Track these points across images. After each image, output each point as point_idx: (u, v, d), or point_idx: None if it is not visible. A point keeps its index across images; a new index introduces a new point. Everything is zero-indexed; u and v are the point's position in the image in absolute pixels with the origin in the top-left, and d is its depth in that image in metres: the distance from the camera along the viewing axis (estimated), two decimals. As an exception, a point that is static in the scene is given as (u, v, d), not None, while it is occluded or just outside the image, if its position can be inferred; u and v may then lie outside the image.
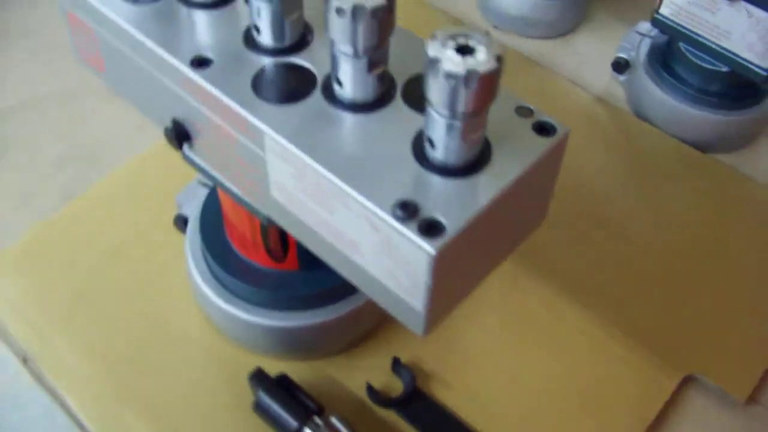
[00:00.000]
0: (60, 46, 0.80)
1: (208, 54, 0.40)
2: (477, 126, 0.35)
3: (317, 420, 0.48)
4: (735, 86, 0.70)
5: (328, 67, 0.38)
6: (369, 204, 0.35)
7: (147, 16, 0.42)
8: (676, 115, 0.71)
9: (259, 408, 0.49)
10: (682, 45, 0.70)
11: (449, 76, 0.32)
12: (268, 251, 0.50)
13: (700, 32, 0.67)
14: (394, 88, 0.39)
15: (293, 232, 0.42)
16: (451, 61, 0.32)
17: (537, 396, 0.55)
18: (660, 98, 0.72)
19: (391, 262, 0.36)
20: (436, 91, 0.33)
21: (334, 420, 0.48)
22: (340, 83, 0.37)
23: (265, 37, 0.40)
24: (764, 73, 0.65)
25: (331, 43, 0.36)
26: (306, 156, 0.36)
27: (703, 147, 0.72)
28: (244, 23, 0.42)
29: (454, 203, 0.35)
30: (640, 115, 0.75)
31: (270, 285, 0.52)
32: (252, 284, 0.52)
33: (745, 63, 0.65)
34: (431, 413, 0.52)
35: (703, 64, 0.69)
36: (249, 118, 0.38)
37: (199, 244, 0.55)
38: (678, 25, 0.68)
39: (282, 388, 0.49)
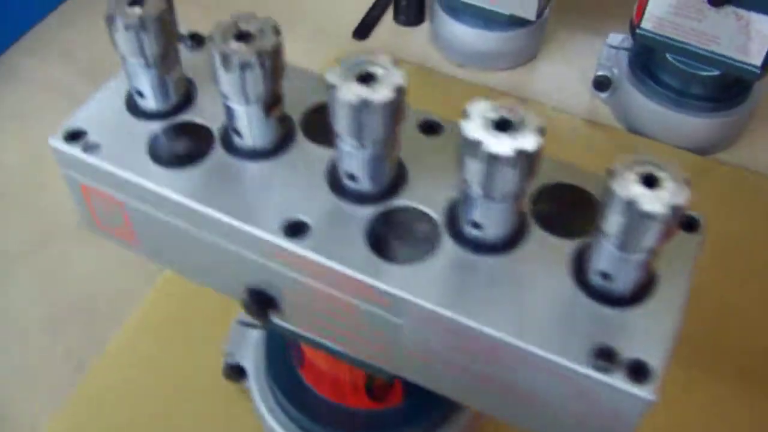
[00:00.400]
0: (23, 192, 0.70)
1: (300, 216, 0.35)
2: (654, 252, 0.31)
3: None
4: (724, 86, 0.70)
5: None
6: (563, 361, 0.31)
7: (196, 181, 0.36)
8: (671, 123, 0.71)
9: None
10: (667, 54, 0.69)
11: (649, 217, 0.28)
12: (371, 396, 0.45)
13: (687, 40, 0.66)
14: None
15: (431, 385, 0.37)
16: (648, 198, 0.28)
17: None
18: (652, 109, 0.71)
19: (583, 407, 0.33)
20: (637, 232, 0.29)
21: None
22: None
23: (364, 184, 0.35)
24: (758, 71, 0.65)
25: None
26: (477, 324, 0.32)
27: (701, 150, 0.72)
28: (318, 166, 0.37)
29: (646, 338, 0.31)
30: (634, 130, 0.74)
31: (370, 426, 0.47)
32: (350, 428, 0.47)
33: (738, 64, 0.65)
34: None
35: (691, 70, 0.69)
36: (384, 289, 0.33)
37: (272, 395, 0.49)
38: (662, 36, 0.67)
39: None
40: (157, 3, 0.34)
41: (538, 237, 0.34)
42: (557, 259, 0.33)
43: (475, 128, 0.29)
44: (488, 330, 0.31)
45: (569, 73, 0.79)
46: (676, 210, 0.28)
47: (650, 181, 0.29)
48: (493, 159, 0.29)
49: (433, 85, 0.76)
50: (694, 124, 0.70)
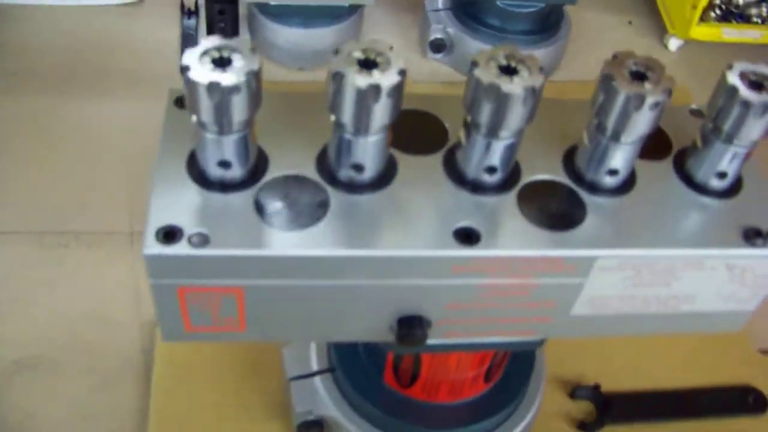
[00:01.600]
0: None
1: (462, 222, 0.34)
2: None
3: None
4: (544, 18, 0.79)
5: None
6: (724, 252, 0.35)
7: (333, 231, 0.33)
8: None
9: None
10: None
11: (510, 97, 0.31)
12: (487, 377, 0.45)
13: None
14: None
15: (584, 333, 0.39)
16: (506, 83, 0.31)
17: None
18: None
19: (735, 287, 0.37)
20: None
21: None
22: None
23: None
24: (576, -5, 0.75)
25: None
26: (654, 250, 0.34)
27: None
28: (432, 172, 0.35)
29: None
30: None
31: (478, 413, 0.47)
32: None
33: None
34: (630, 402, 0.54)
35: (516, 9, 0.76)
36: (575, 254, 0.34)
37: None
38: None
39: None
40: (250, 62, 0.30)
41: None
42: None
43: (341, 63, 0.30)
44: (665, 251, 0.34)
45: (400, 46, 0.82)
46: (533, 91, 0.31)
47: (509, 70, 0.32)
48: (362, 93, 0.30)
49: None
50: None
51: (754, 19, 0.87)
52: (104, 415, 0.51)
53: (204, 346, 0.54)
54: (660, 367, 0.57)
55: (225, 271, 0.33)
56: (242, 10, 0.79)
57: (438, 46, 0.79)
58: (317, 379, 0.48)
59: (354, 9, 0.77)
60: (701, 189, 0.37)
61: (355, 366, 0.47)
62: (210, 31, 0.77)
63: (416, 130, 0.38)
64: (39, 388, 0.51)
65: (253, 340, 0.37)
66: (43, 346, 0.53)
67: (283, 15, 0.75)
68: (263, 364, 0.53)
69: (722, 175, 0.37)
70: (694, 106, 0.42)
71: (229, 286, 0.33)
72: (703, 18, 0.86)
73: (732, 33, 0.86)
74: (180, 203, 0.33)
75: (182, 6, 0.81)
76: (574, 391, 0.54)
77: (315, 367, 0.48)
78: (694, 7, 0.83)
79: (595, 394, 0.53)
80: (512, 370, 0.48)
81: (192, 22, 0.78)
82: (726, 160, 0.36)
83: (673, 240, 0.35)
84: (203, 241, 0.32)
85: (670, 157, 0.39)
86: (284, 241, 0.33)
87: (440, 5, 0.79)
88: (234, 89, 0.30)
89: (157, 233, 0.32)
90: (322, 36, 0.76)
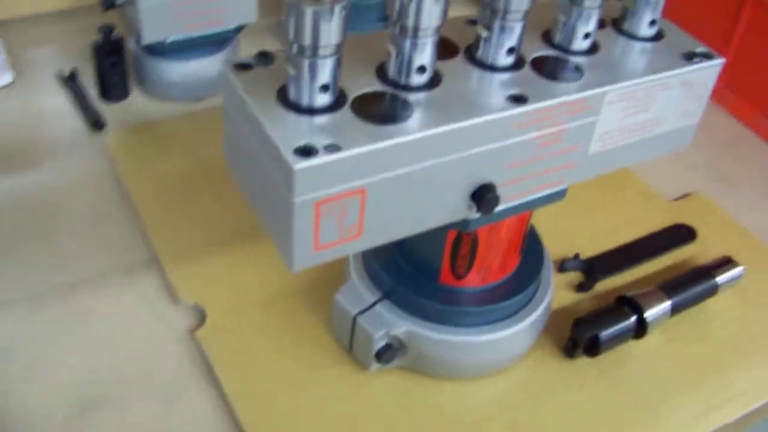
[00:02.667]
0: None
1: (511, 90, 0.43)
2: None
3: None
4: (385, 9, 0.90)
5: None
6: (678, 71, 0.47)
7: (424, 117, 0.41)
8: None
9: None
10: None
11: None
12: (522, 247, 0.54)
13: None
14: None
15: (597, 170, 0.49)
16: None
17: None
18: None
19: (686, 102, 0.50)
20: None
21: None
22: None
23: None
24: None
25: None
26: (638, 79, 0.46)
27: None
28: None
29: (689, 42, 0.50)
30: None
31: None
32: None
33: None
34: (605, 260, 0.66)
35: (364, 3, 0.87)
36: (591, 93, 0.44)
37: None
38: None
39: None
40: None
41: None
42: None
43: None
44: (645, 78, 0.46)
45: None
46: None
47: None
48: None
49: (201, 126, 0.78)
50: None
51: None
52: (186, 426, 0.53)
53: (252, 326, 0.58)
54: (608, 230, 0.69)
55: (354, 173, 0.39)
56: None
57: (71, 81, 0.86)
58: (379, 307, 0.54)
59: (233, 35, 0.82)
60: (642, 39, 0.50)
61: (410, 282, 0.53)
62: (103, 86, 0.79)
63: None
64: (109, 427, 0.52)
65: (365, 247, 0.43)
66: (98, 387, 0.53)
67: (170, 51, 0.79)
68: (314, 326, 0.59)
69: (653, 23, 0.49)
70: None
71: (356, 188, 0.40)
72: None
73: None
74: (297, 128, 0.39)
75: (60, 76, 0.82)
76: (562, 264, 0.64)
77: (371, 299, 0.54)
78: None
79: (577, 262, 0.64)
80: (529, 248, 0.57)
81: (77, 83, 0.80)
82: (654, 9, 0.49)
83: (646, 72, 0.47)
84: (336, 148, 0.38)
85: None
86: (395, 132, 0.40)
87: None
88: (343, 8, 0.37)
89: (296, 152, 0.38)
90: (211, 64, 0.81)
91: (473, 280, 0.53)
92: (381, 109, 0.41)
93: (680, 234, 0.69)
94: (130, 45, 0.81)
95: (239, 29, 0.82)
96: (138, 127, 0.77)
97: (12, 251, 0.63)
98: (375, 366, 0.54)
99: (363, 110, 0.41)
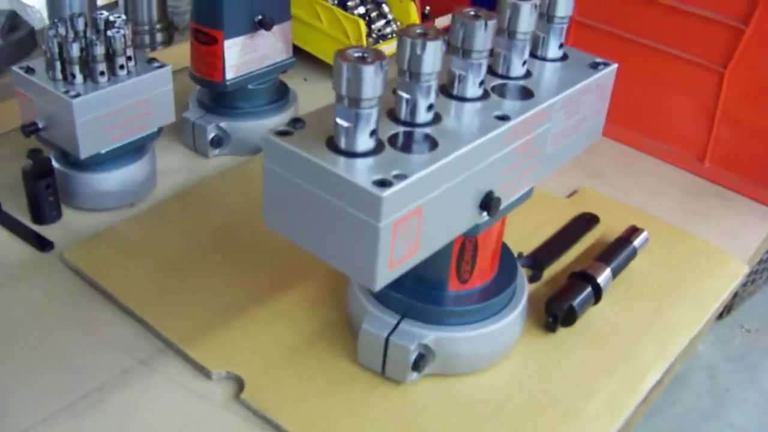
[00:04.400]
0: None
1: (497, 111, 0.55)
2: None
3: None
4: (276, 89, 0.99)
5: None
6: (593, 77, 0.62)
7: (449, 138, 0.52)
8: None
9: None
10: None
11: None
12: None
13: (256, 68, 0.93)
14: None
15: (553, 166, 0.62)
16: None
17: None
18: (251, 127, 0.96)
19: (597, 102, 0.65)
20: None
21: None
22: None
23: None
24: (293, 59, 0.97)
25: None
26: (572, 88, 0.59)
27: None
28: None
29: (588, 58, 0.65)
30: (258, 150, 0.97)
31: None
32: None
33: (282, 63, 0.96)
34: (544, 251, 0.79)
35: (256, 86, 0.95)
36: (548, 102, 0.57)
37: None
38: (242, 76, 0.92)
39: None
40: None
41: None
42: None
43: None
44: (584, 82, 0.60)
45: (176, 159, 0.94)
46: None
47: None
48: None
49: (152, 223, 0.82)
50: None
51: (390, 36, 1.19)
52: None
53: (288, 377, 0.64)
54: (533, 231, 0.83)
55: (415, 194, 0.49)
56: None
57: (218, 141, 0.94)
58: (403, 326, 0.62)
59: (159, 132, 0.86)
60: (554, 60, 0.64)
61: (425, 297, 0.63)
62: (37, 209, 0.80)
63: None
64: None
65: (419, 261, 0.52)
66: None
67: (94, 163, 0.82)
68: (338, 363, 0.65)
69: (561, 46, 0.64)
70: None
71: (417, 207, 0.49)
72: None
73: (386, 49, 1.18)
74: (364, 168, 0.48)
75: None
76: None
77: (394, 321, 0.62)
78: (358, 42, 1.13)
79: (524, 259, 0.77)
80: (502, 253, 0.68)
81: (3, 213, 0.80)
82: (559, 37, 0.63)
83: (574, 82, 0.61)
84: (403, 177, 0.48)
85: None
86: (433, 159, 0.50)
87: (198, 113, 0.95)
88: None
89: (375, 183, 0.46)
90: (141, 167, 0.85)
91: (475, 281, 0.64)
92: (414, 143, 0.52)
93: (587, 220, 0.85)
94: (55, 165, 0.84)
95: (159, 132, 0.87)
96: (90, 239, 0.80)
97: (23, 375, 0.64)
98: (411, 377, 0.62)
99: (402, 147, 0.51)
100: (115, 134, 0.80)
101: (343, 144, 0.50)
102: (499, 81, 0.60)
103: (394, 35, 1.20)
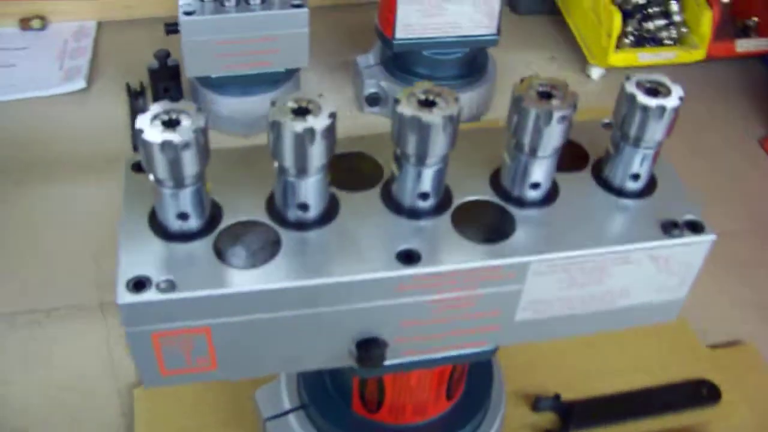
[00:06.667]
0: None
1: (402, 245, 0.38)
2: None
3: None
4: (468, 63, 0.85)
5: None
6: (645, 245, 0.40)
7: (287, 265, 0.37)
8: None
9: None
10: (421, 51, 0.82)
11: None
12: (449, 394, 0.48)
13: (435, 35, 0.79)
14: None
15: (533, 336, 0.43)
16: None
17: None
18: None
19: (663, 277, 0.41)
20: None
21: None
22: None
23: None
24: (495, 36, 0.81)
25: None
26: (576, 251, 0.39)
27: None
28: (371, 204, 0.40)
29: (682, 203, 0.42)
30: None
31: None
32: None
33: (479, 38, 0.81)
34: (590, 407, 0.58)
35: (442, 57, 0.82)
36: (509, 261, 0.38)
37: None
38: (416, 39, 0.79)
39: None
40: (197, 120, 0.34)
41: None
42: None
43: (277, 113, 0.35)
44: (594, 251, 0.39)
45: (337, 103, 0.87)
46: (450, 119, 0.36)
47: (428, 103, 0.37)
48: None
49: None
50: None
51: (666, 42, 0.94)
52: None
53: (184, 402, 0.57)
54: (615, 370, 0.61)
55: (192, 313, 0.37)
56: (185, 85, 0.84)
57: (374, 100, 0.85)
58: (291, 417, 0.51)
59: (291, 73, 0.82)
60: (619, 192, 0.42)
61: (325, 399, 0.50)
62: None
63: (353, 169, 0.43)
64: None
65: (226, 378, 0.41)
66: (26, 421, 0.55)
67: (224, 86, 0.81)
68: (243, 412, 0.56)
69: (636, 177, 0.42)
70: (606, 120, 0.47)
71: (197, 327, 0.37)
72: (619, 45, 0.94)
73: (647, 56, 0.93)
74: (146, 255, 0.37)
75: (128, 88, 0.85)
76: (536, 403, 0.58)
77: (288, 405, 0.51)
78: (609, 36, 0.91)
79: (556, 404, 0.57)
80: (473, 386, 0.51)
81: (140, 101, 0.83)
82: (636, 163, 0.41)
83: (597, 240, 0.40)
84: (170, 286, 0.36)
85: (588, 167, 0.44)
86: (243, 279, 0.37)
87: (371, 62, 0.85)
88: (185, 145, 0.34)
89: (128, 284, 0.36)
90: (262, 102, 0.81)
91: (387, 418, 0.49)
92: (250, 244, 0.38)
93: (698, 393, 0.60)
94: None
95: (291, 73, 0.80)
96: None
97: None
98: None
99: (228, 242, 0.38)
100: (228, 62, 0.76)
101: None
102: (484, 196, 0.41)
103: (670, 41, 0.94)
